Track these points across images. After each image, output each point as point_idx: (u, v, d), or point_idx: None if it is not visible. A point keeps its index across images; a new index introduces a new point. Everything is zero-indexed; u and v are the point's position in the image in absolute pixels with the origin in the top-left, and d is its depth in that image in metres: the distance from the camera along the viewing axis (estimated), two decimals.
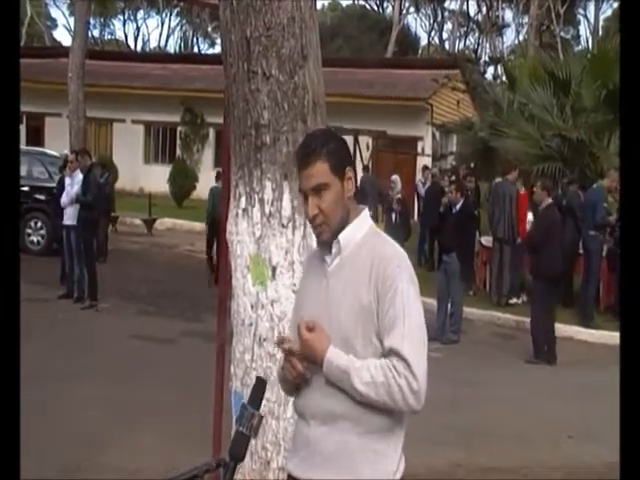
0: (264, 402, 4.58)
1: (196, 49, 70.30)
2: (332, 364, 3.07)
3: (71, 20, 51.38)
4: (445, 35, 70.96)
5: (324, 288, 3.23)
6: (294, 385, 3.31)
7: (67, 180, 14.36)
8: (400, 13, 60.00)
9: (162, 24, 72.02)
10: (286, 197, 4.81)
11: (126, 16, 70.80)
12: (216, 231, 16.62)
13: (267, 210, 4.82)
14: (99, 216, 15.10)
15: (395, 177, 19.71)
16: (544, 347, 12.20)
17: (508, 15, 66.30)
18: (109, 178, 19.96)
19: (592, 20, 63.04)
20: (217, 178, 18.20)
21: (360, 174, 22.10)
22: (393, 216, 17.43)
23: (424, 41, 72.15)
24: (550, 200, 12.79)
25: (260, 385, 3.05)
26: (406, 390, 3.01)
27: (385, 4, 68.26)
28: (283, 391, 3.54)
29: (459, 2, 64.78)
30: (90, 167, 14.58)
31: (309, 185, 3.20)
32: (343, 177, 3.22)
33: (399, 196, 17.96)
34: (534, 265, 12.84)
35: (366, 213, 3.32)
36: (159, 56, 45.99)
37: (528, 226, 15.70)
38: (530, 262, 13.48)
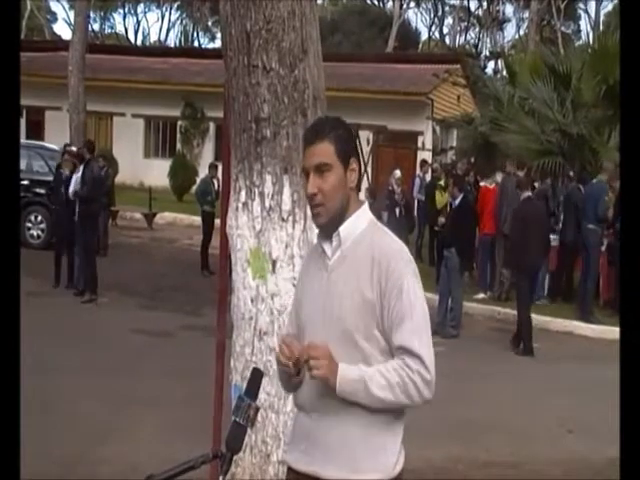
0: (264, 396, 4.61)
1: (196, 43, 70.24)
2: (345, 379, 3.06)
3: (71, 14, 51.34)
4: (446, 30, 70.92)
5: (325, 282, 3.23)
6: (293, 384, 3.33)
7: (74, 176, 14.40)
8: (400, 8, 59.90)
9: (162, 18, 71.91)
10: (286, 191, 4.81)
11: (126, 10, 70.69)
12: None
13: (267, 204, 4.83)
14: (99, 210, 15.07)
15: (397, 172, 19.79)
16: (532, 339, 12.49)
17: (509, 10, 66.33)
18: (109, 172, 19.94)
19: (593, 15, 62.94)
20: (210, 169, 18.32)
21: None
22: (397, 210, 17.53)
23: (425, 36, 72.05)
24: (528, 193, 12.90)
25: (257, 376, 3.05)
26: (420, 384, 3.06)
27: None
28: (284, 389, 3.54)
29: None
30: (88, 161, 14.58)
31: (312, 162, 3.20)
32: (347, 165, 3.22)
33: (400, 189, 18.07)
34: (514, 259, 12.97)
35: (366, 207, 3.32)
36: (159, 50, 45.83)
37: None
38: (510, 256, 13.64)
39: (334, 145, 3.19)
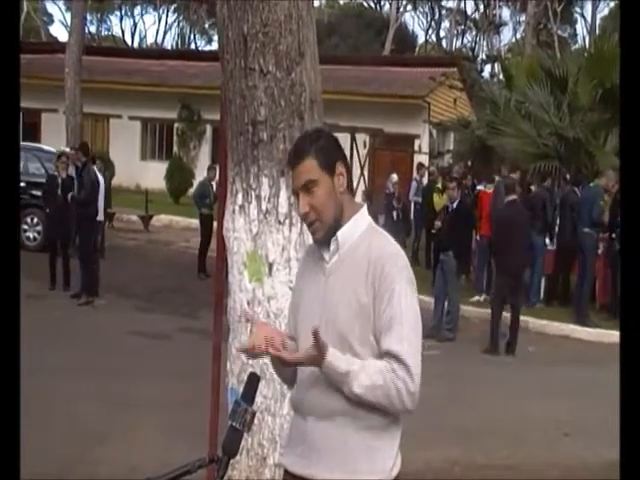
0: (260, 399, 4.62)
1: (193, 46, 70.22)
2: (331, 367, 3.04)
3: (68, 16, 51.26)
4: (442, 33, 70.98)
5: (322, 285, 3.23)
6: (290, 373, 3.34)
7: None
8: (397, 11, 59.99)
9: (159, 20, 71.96)
10: (283, 194, 4.82)
11: (123, 12, 70.68)
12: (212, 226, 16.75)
13: (264, 207, 4.83)
14: (96, 212, 15.03)
15: (394, 175, 19.85)
16: (498, 340, 12.64)
17: (505, 13, 66.47)
18: (105, 174, 19.91)
19: (589, 19, 63.14)
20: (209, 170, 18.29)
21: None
22: (394, 214, 17.57)
23: (421, 39, 72.13)
24: (514, 196, 12.96)
25: (253, 380, 3.05)
26: (403, 392, 3.03)
27: (382, 2, 68.22)
28: (280, 378, 3.55)
29: (456, 0, 64.88)
30: (84, 164, 14.60)
31: (299, 183, 3.21)
32: (333, 173, 3.22)
33: (397, 193, 18.17)
34: (497, 261, 13.07)
35: (364, 210, 3.32)
36: (156, 52, 45.83)
37: None
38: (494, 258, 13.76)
39: (317, 160, 3.19)
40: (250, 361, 4.83)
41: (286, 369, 3.31)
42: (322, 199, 3.19)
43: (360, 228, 3.25)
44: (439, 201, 17.42)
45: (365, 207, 3.35)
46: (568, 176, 16.99)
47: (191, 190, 28.44)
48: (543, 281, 16.07)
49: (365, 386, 3.03)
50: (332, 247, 3.24)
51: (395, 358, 3.04)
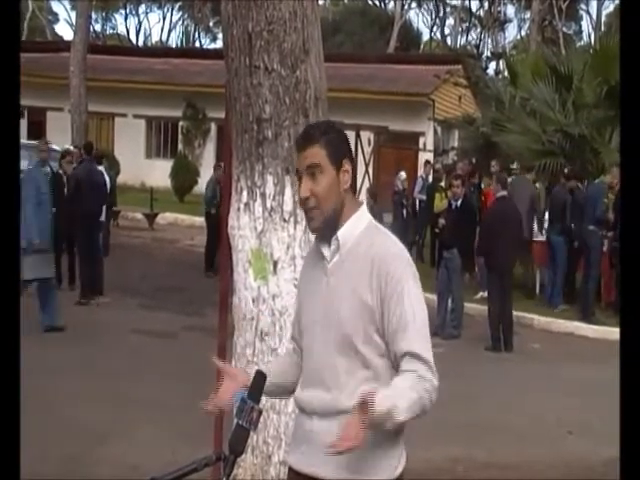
0: (265, 397, 4.61)
1: (198, 44, 70.25)
2: (378, 418, 2.90)
3: (73, 14, 51.28)
4: (447, 30, 70.87)
5: (324, 286, 3.21)
6: (287, 389, 3.37)
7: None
8: (402, 8, 59.91)
9: (164, 19, 71.94)
10: (287, 192, 4.82)
11: (128, 10, 70.71)
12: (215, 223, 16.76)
13: (269, 204, 4.83)
14: (99, 211, 14.94)
15: (402, 173, 19.84)
16: (500, 336, 12.52)
17: (510, 10, 66.39)
18: (111, 173, 19.88)
19: (594, 16, 63.07)
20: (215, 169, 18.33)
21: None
22: (404, 212, 17.54)
23: (426, 36, 72.01)
24: (504, 192, 12.95)
25: (260, 378, 3.04)
26: (432, 392, 3.04)
27: None
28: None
29: None
30: (80, 162, 14.62)
31: (304, 164, 3.18)
32: (340, 167, 3.20)
33: (405, 191, 18.19)
34: (485, 257, 13.06)
35: (364, 208, 3.30)
36: (161, 51, 45.82)
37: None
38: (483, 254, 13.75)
39: (325, 149, 3.17)
40: (255, 358, 4.84)
41: (272, 391, 3.35)
42: (325, 188, 3.16)
43: (360, 226, 3.24)
44: (439, 204, 17.37)
45: (365, 205, 3.34)
46: (566, 170, 16.84)
47: (196, 188, 28.56)
48: (547, 278, 16.04)
49: (405, 408, 2.97)
50: (333, 246, 3.22)
51: (417, 357, 3.05)
